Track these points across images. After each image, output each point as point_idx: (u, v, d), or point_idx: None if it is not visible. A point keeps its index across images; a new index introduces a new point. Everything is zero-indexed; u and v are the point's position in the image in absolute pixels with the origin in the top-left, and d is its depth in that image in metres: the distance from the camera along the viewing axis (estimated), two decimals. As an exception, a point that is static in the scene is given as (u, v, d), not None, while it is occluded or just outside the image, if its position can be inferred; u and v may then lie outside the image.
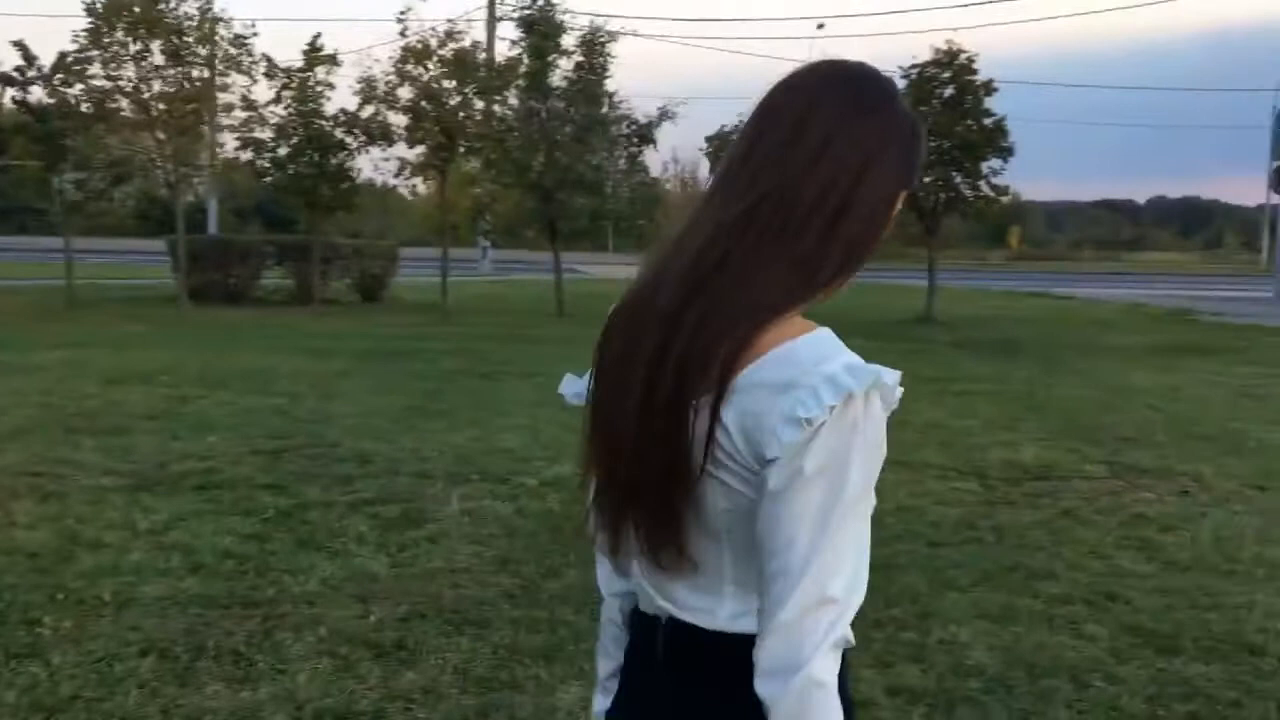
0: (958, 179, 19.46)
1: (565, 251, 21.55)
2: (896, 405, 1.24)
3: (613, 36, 20.47)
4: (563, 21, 20.27)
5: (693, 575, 1.33)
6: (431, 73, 19.07)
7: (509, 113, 20.51)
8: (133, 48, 18.32)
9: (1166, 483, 6.89)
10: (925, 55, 19.74)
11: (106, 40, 18.23)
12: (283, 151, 19.40)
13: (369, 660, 3.92)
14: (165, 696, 3.62)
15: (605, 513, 1.38)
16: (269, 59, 19.26)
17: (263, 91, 19.86)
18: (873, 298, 21.07)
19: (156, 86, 18.65)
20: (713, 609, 1.34)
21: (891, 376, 1.22)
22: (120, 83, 18.59)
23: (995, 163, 19.65)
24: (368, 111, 19.33)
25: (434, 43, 19.10)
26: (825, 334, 1.26)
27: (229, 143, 20.48)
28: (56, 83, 18.45)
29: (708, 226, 1.30)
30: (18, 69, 18.42)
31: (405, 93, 19.07)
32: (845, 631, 1.21)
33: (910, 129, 1.34)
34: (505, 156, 19.53)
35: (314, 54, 19.42)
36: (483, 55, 21.13)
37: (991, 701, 3.69)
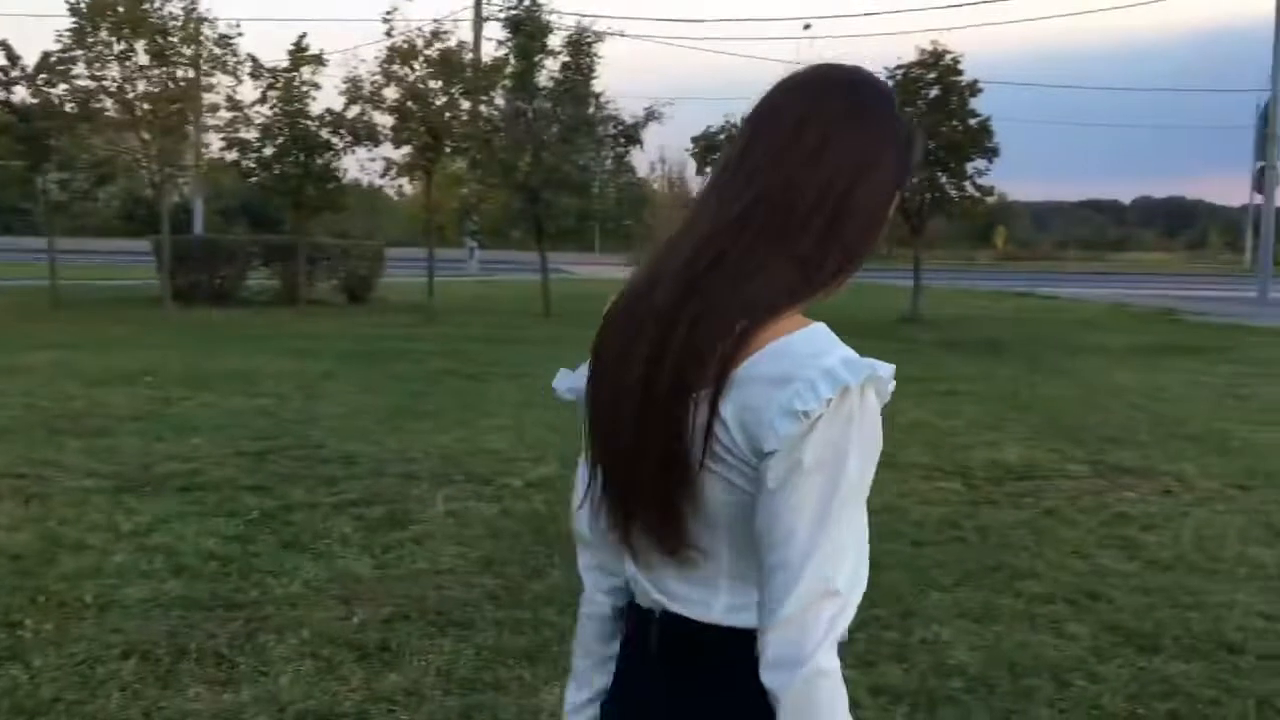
0: (943, 179, 19.52)
1: (552, 252, 21.54)
2: (889, 399, 1.26)
3: (599, 37, 20.49)
4: (549, 22, 20.28)
5: (691, 569, 1.34)
6: (417, 73, 19.04)
7: (495, 113, 20.50)
8: (117, 47, 18.22)
9: (1149, 482, 6.93)
10: (911, 56, 19.83)
11: (90, 40, 18.14)
12: (268, 152, 19.34)
13: (352, 662, 3.91)
14: (147, 699, 3.61)
15: (608, 508, 1.39)
16: (254, 59, 19.21)
17: (248, 92, 19.80)
18: (858, 298, 21.12)
19: (141, 86, 18.55)
20: (708, 602, 1.34)
21: (886, 370, 1.25)
22: (104, 83, 18.49)
23: (980, 163, 19.74)
24: (353, 112, 19.29)
25: (420, 43, 19.07)
26: (821, 328, 1.28)
27: (214, 143, 20.45)
28: (40, 82, 18.35)
29: (704, 226, 1.31)
30: (1, 69, 18.33)
31: (391, 93, 19.04)
32: (847, 623, 1.23)
33: (906, 134, 1.36)
34: (491, 157, 19.51)
35: (299, 54, 19.37)
36: (469, 55, 21.09)
37: (973, 701, 3.71)
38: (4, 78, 18.32)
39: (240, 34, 19.06)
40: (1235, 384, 11.87)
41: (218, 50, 18.85)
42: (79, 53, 18.23)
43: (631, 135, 20.81)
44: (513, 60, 20.21)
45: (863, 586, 1.25)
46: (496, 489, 6.38)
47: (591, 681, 1.52)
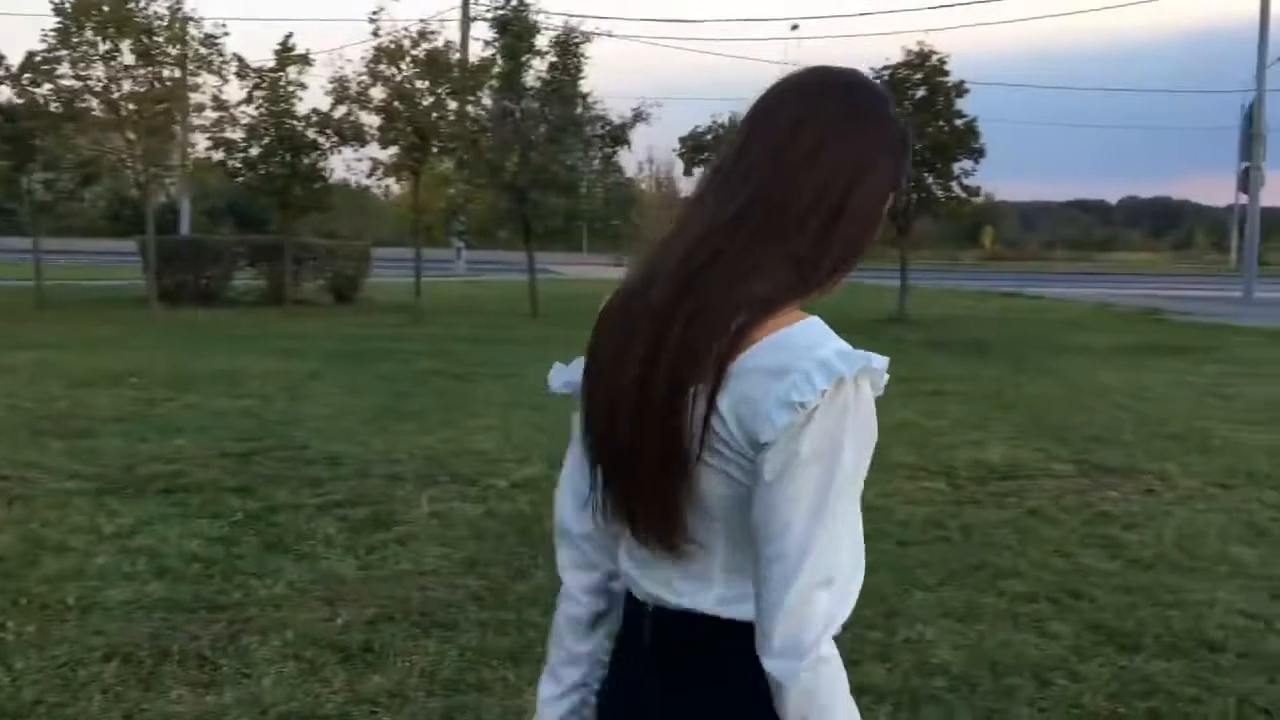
0: (929, 180, 19.57)
1: (540, 252, 21.54)
2: (882, 391, 1.29)
3: (586, 37, 20.49)
4: (536, 22, 20.27)
5: (686, 563, 1.36)
6: (404, 73, 19.01)
7: (482, 113, 20.48)
8: (102, 47, 18.16)
9: (1132, 481, 6.96)
10: (898, 57, 19.89)
11: (75, 40, 18.07)
12: (254, 152, 19.30)
13: (335, 664, 3.91)
14: (129, 701, 3.60)
15: (608, 505, 1.40)
16: (240, 59, 19.16)
17: (234, 91, 19.73)
18: (845, 297, 20.97)
19: (126, 86, 18.49)
20: (701, 594, 1.36)
21: (880, 362, 1.27)
22: (89, 82, 18.43)
23: (966, 164, 19.80)
24: (340, 112, 19.26)
25: (407, 43, 19.04)
26: (816, 322, 1.29)
27: (200, 143, 20.39)
28: (25, 82, 18.27)
29: (700, 225, 1.33)
30: (-14, 69, 18.26)
31: (378, 93, 19.01)
32: (847, 613, 1.26)
33: (901, 136, 1.38)
34: (478, 157, 19.50)
35: (285, 54, 19.33)
36: (456, 56, 21.05)
37: (955, 700, 3.72)
38: (-11, 77, 18.25)
39: (226, 33, 19.03)
40: (1219, 383, 11.92)
41: (203, 50, 18.80)
42: (64, 52, 18.17)
43: (619, 136, 20.81)
44: (500, 60, 20.19)
45: (860, 576, 1.29)
46: (482, 490, 6.38)
47: (563, 676, 1.53)
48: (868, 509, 1.33)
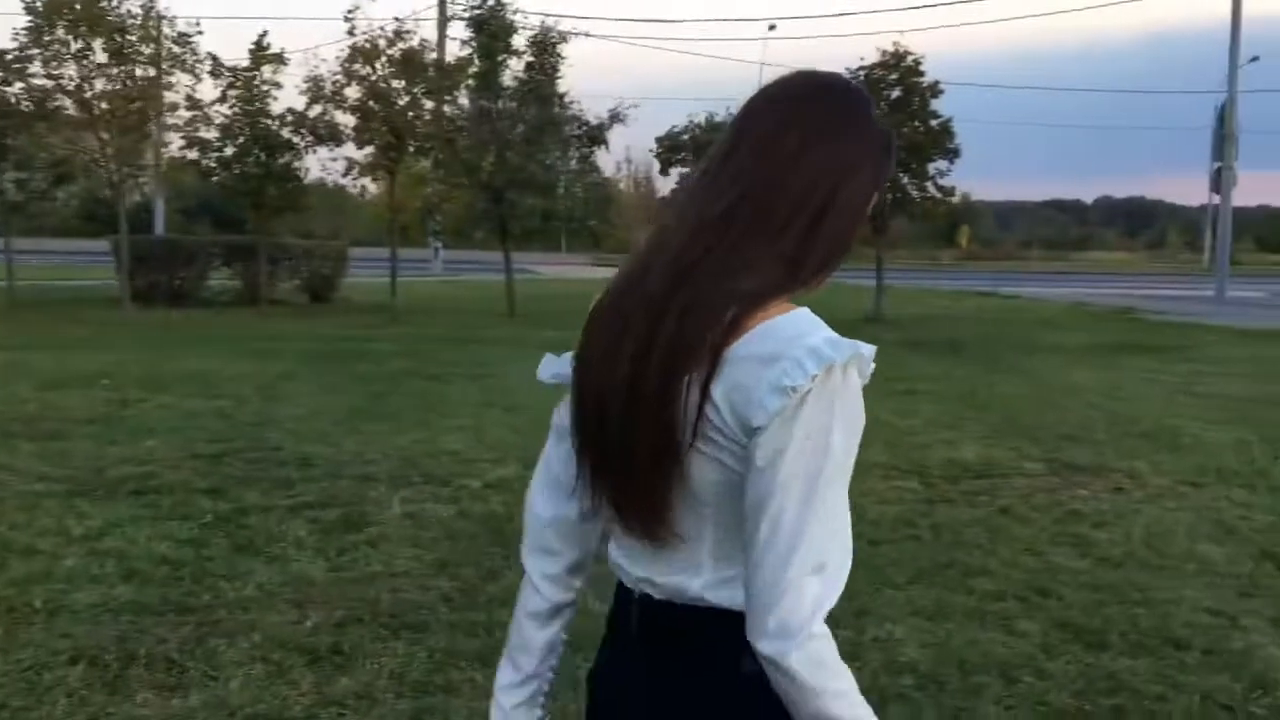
0: (905, 180, 19.66)
1: (518, 251, 21.50)
2: (868, 380, 1.32)
3: (563, 37, 20.46)
4: (513, 21, 20.23)
5: (674, 551, 1.38)
6: (380, 72, 18.94)
7: (458, 113, 20.43)
8: (74, 46, 18.04)
9: (1102, 480, 7.01)
10: (875, 58, 19.96)
11: (47, 38, 17.94)
12: (228, 151, 19.20)
13: (303, 666, 3.89)
14: (94, 705, 3.58)
15: (597, 496, 1.42)
16: (214, 57, 19.07)
17: (208, 90, 19.59)
18: (822, 297, 20.68)
19: (99, 85, 18.37)
20: (689, 582, 1.38)
21: (869, 350, 1.30)
22: (62, 81, 18.29)
23: (942, 164, 19.89)
24: (315, 111, 19.18)
25: (382, 42, 18.97)
26: (805, 312, 1.33)
27: (174, 142, 20.26)
28: (-4, 81, 18.14)
29: (690, 223, 1.36)
30: (-44, 67, 18.10)
31: (353, 92, 18.94)
32: (836, 597, 1.29)
33: (884, 139, 1.43)
34: (454, 157, 19.45)
35: (260, 53, 19.23)
36: (433, 55, 21.00)
37: (923, 698, 3.74)
38: (-41, 76, 18.08)
39: (200, 32, 18.95)
40: (1191, 382, 12.02)
41: (177, 49, 18.70)
42: (35, 51, 18.03)
43: (596, 136, 20.80)
44: (476, 60, 20.14)
45: (849, 564, 1.32)
46: (454, 490, 6.36)
47: (521, 664, 1.56)
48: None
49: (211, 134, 19.25)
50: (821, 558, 1.27)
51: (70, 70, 18.18)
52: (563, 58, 20.34)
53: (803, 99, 1.40)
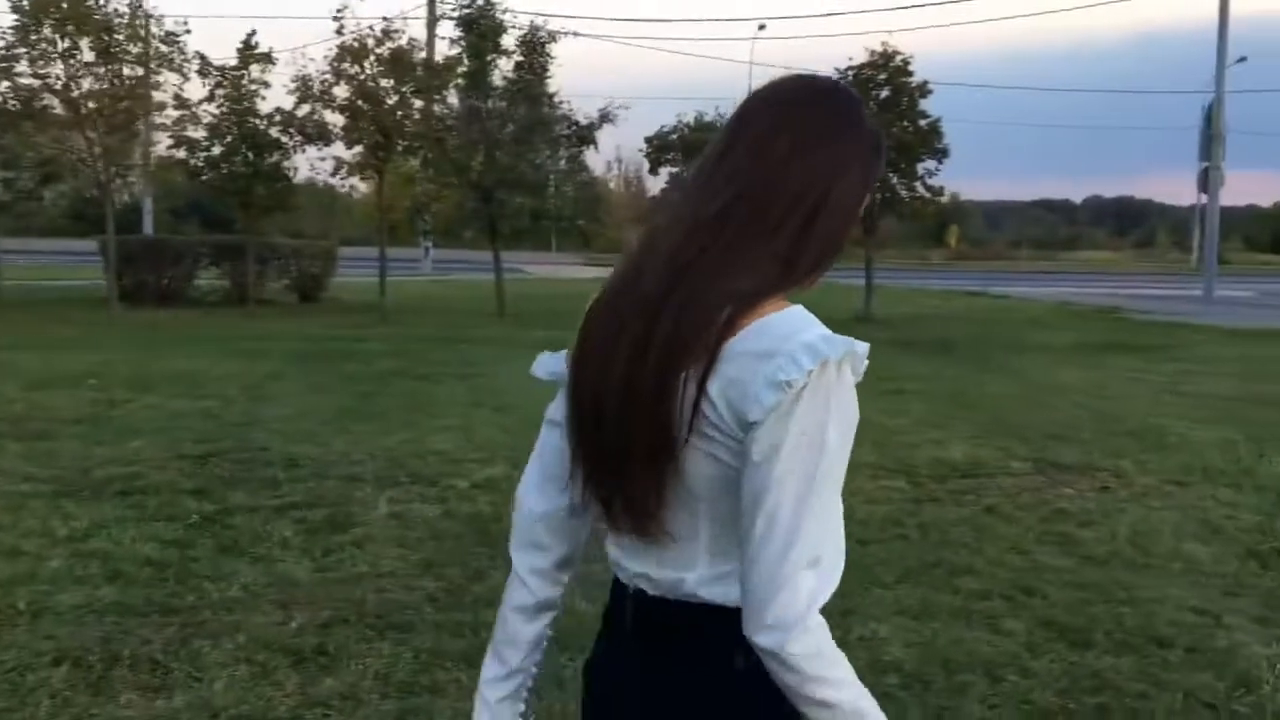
0: (893, 179, 19.68)
1: (508, 251, 21.48)
2: (861, 377, 1.35)
3: (553, 36, 20.45)
4: (502, 21, 20.20)
5: (669, 547, 1.41)
6: (368, 72, 18.90)
7: (447, 112, 20.40)
8: (61, 45, 17.96)
9: (1088, 479, 7.03)
10: (863, 57, 19.98)
11: (34, 37, 17.86)
12: (216, 150, 19.14)
13: (288, 667, 3.88)
14: (77, 706, 3.57)
15: (592, 493, 1.45)
16: (202, 56, 19.01)
17: (196, 90, 19.57)
18: (812, 296, 20.91)
19: (86, 84, 18.30)
20: (684, 578, 1.41)
21: (863, 347, 1.34)
22: (49, 80, 18.22)
23: (930, 164, 19.93)
24: (304, 110, 19.13)
25: (371, 41, 18.93)
26: (799, 309, 1.36)
27: (162, 142, 20.19)
28: (-18, 80, 18.05)
29: (686, 222, 1.39)
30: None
31: (341, 91, 18.89)
32: (831, 591, 1.32)
33: (875, 142, 1.46)
34: (443, 156, 19.42)
35: (248, 52, 19.18)
36: (422, 55, 20.95)
37: (908, 697, 3.75)
38: (-55, 75, 17.99)
39: (188, 31, 18.89)
40: (1177, 381, 12.06)
41: (164, 48, 18.63)
42: (22, 50, 17.94)
43: (585, 136, 20.79)
44: (466, 60, 20.11)
45: (842, 559, 1.35)
46: (441, 490, 6.36)
47: (507, 658, 1.58)
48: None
49: (199, 133, 19.19)
50: (816, 551, 1.29)
51: (57, 69, 18.10)
52: (552, 57, 20.35)
53: (795, 102, 1.43)
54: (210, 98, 19.11)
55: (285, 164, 19.67)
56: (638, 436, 1.35)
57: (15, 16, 17.77)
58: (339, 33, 18.92)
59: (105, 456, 7.04)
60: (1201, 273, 31.98)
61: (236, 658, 3.94)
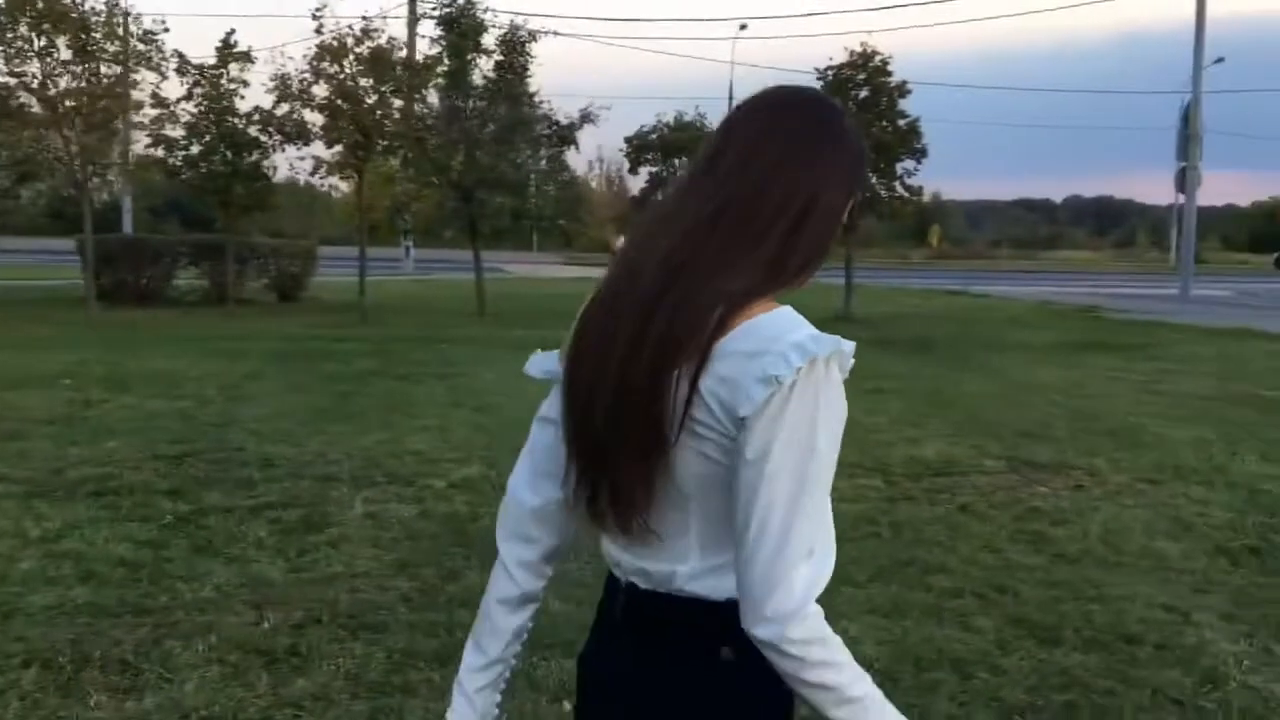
0: (873, 179, 19.73)
1: (489, 250, 21.43)
2: (848, 374, 1.40)
3: (533, 36, 20.43)
4: (483, 20, 20.17)
5: (653, 542, 1.45)
6: (348, 71, 18.84)
7: (428, 111, 20.36)
8: (38, 43, 17.85)
9: (1062, 477, 7.07)
10: (843, 57, 20.03)
11: (10, 35, 17.74)
12: (195, 149, 19.05)
13: (259, 667, 3.88)
14: (46, 708, 3.56)
15: (584, 488, 1.48)
16: (181, 55, 18.92)
17: (174, 88, 19.41)
18: (792, 296, 21.19)
19: (64, 83, 18.19)
20: (675, 569, 1.45)
21: (849, 346, 1.39)
22: (25, 79, 18.10)
23: (909, 164, 19.99)
24: (283, 109, 19.06)
25: (350, 40, 18.87)
26: (788, 310, 1.41)
27: (141, 140, 20.08)
28: (-43, 79, 17.91)
29: (679, 224, 1.43)
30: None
31: (321, 90, 18.82)
32: (824, 584, 1.36)
33: (858, 149, 1.52)
34: (424, 156, 19.37)
35: (227, 51, 19.10)
36: (402, 53, 20.90)
37: (878, 695, 3.76)
38: (-81, 73, 17.85)
39: (165, 29, 18.77)
40: (1153, 380, 12.14)
41: (142, 46, 18.53)
42: (-2, 48, 17.82)
43: (566, 136, 20.77)
44: (446, 59, 20.07)
45: (834, 547, 1.40)
46: (418, 490, 6.35)
47: (488, 648, 1.61)
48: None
49: (178, 132, 19.10)
50: (810, 544, 1.34)
51: (34, 67, 17.98)
52: (532, 57, 20.33)
53: (782, 111, 1.48)
54: (189, 96, 19.03)
55: (264, 163, 19.61)
56: (630, 434, 1.39)
57: (-9, 14, 17.65)
58: (318, 32, 18.84)
59: (79, 457, 7.01)
60: (1179, 272, 32.16)
61: (208, 658, 3.93)
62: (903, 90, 19.76)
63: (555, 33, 23.70)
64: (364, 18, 19.21)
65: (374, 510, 5.91)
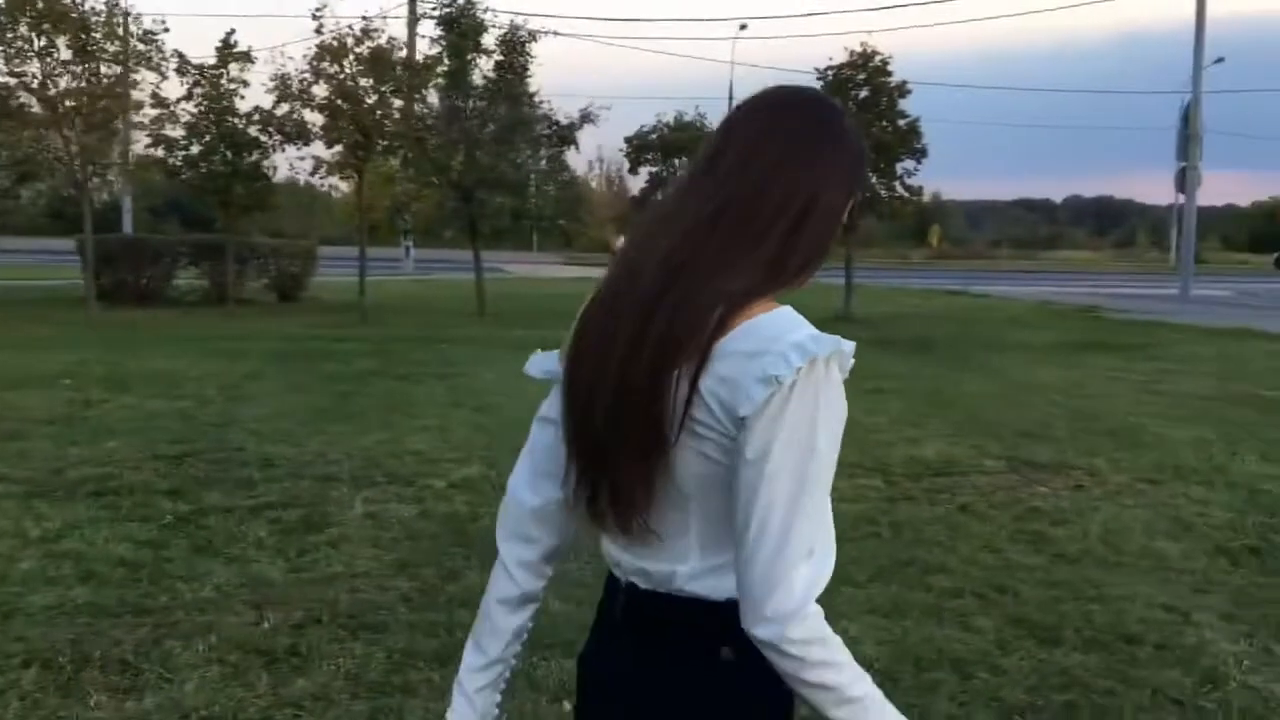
0: (872, 179, 19.73)
1: (489, 250, 21.42)
2: (847, 374, 1.41)
3: (533, 36, 20.43)
4: (483, 20, 20.17)
5: (653, 542, 1.45)
6: (348, 71, 18.84)
7: (428, 111, 20.36)
8: (38, 43, 17.85)
9: (1062, 477, 7.07)
10: (843, 57, 20.03)
11: (10, 35, 17.74)
12: (195, 149, 19.06)
13: (259, 667, 3.88)
14: (46, 708, 3.56)
15: (584, 488, 1.48)
16: (181, 55, 18.93)
17: (175, 88, 19.41)
18: (792, 296, 21.17)
19: (64, 83, 18.19)
20: (675, 569, 1.45)
21: (849, 346, 1.39)
22: (25, 79, 18.10)
23: (909, 164, 19.99)
24: (283, 109, 19.06)
25: (350, 40, 18.87)
26: (788, 310, 1.41)
27: (141, 140, 20.08)
28: (-43, 79, 17.91)
29: (679, 224, 1.43)
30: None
31: (321, 91, 18.82)
32: (824, 584, 1.37)
33: (858, 150, 1.52)
34: (424, 156, 19.37)
35: (227, 51, 19.10)
36: (402, 53, 20.89)
37: (878, 695, 3.76)
38: (-80, 73, 17.85)
39: (165, 29, 18.78)
40: (1153, 380, 12.13)
41: (142, 46, 18.53)
42: (-2, 48, 17.82)
43: (566, 136, 20.77)
44: (446, 59, 20.07)
45: (834, 547, 1.41)
46: (418, 490, 6.35)
47: (488, 648, 1.61)
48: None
49: (178, 132, 19.10)
50: (810, 544, 1.34)
51: (34, 67, 17.99)
52: (532, 57, 20.33)
53: (782, 112, 1.48)
54: (189, 96, 19.03)
55: (264, 163, 19.61)
56: (630, 434, 1.39)
57: (-9, 14, 17.65)
58: (318, 32, 18.85)
59: (79, 457, 7.01)
60: (1179, 272, 32.15)
61: (208, 658, 3.93)
62: (903, 90, 19.77)
63: (555, 33, 23.72)
64: (364, 18, 19.23)
65: (374, 510, 5.91)
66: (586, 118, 20.60)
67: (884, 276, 34.49)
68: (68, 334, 14.97)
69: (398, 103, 19.57)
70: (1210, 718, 3.70)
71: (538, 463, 1.57)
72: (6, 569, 4.84)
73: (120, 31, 18.58)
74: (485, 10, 20.13)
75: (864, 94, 19.75)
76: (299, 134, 19.12)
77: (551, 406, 1.55)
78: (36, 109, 18.37)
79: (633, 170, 22.28)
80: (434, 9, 20.45)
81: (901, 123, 19.72)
